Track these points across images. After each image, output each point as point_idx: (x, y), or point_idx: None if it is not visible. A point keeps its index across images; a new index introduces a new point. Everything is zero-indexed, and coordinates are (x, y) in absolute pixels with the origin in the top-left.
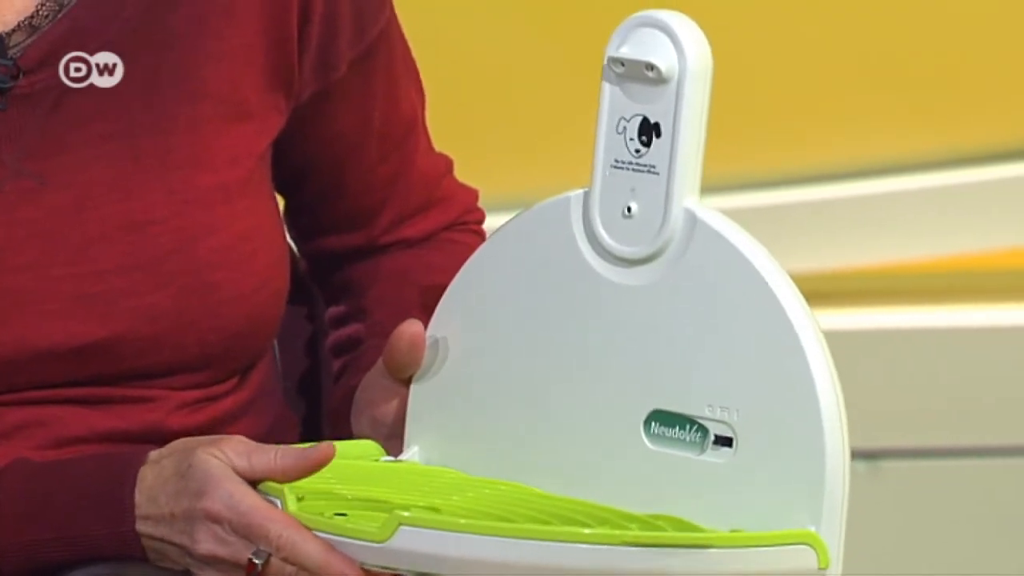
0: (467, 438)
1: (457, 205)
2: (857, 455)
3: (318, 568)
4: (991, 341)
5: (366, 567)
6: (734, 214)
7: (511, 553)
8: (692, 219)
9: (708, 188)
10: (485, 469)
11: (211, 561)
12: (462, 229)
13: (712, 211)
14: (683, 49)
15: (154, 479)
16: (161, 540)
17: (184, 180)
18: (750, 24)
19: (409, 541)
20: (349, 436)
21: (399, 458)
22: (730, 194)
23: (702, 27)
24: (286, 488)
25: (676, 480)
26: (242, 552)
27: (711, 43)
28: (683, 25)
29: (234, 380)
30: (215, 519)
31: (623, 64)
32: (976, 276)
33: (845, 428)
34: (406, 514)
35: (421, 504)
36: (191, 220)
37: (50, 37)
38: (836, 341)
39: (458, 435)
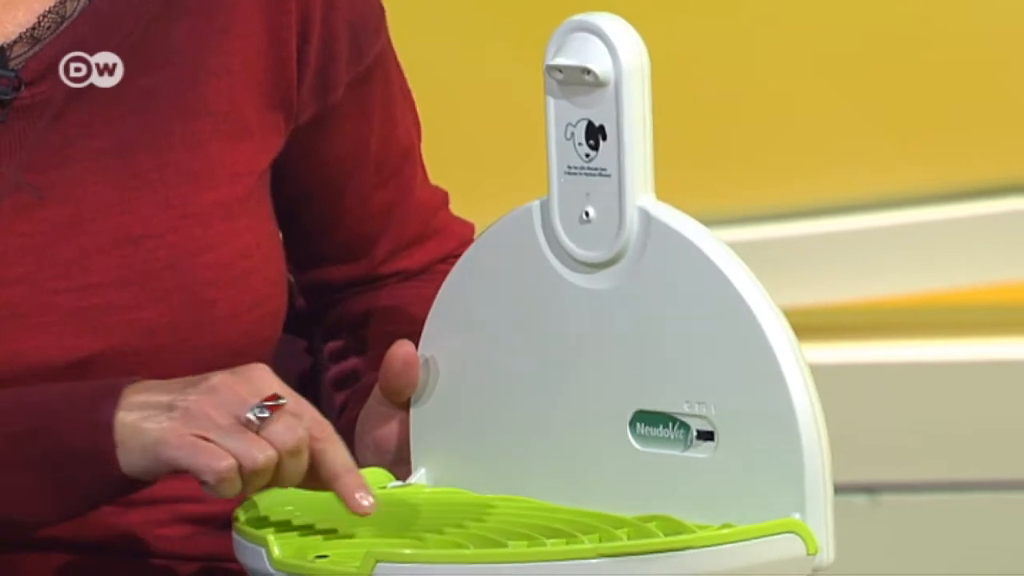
0: (468, 455)
1: (453, 237)
2: (857, 489)
3: (346, 466)
4: (989, 375)
5: None
6: None
7: None
8: (647, 218)
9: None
10: (487, 485)
11: (212, 392)
12: None
13: (667, 207)
14: (616, 51)
15: (161, 382)
16: (142, 407)
17: (182, 196)
18: (742, 60)
19: None
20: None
21: (407, 482)
22: (721, 228)
23: (694, 68)
24: (270, 536)
25: (664, 478)
26: (247, 401)
27: (703, 77)
28: (615, 27)
29: None
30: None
31: (561, 71)
32: (974, 311)
33: (819, 411)
34: (386, 551)
35: (407, 537)
36: (188, 236)
37: (51, 49)
38: (836, 375)
39: (459, 453)
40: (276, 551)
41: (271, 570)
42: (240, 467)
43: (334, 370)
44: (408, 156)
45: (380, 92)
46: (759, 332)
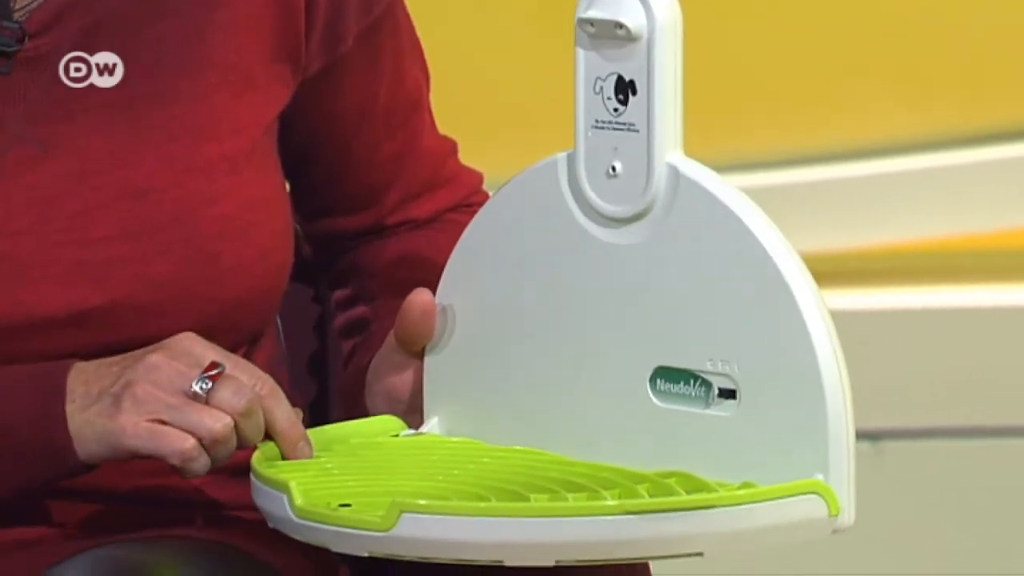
0: (483, 406)
1: (463, 186)
2: (860, 436)
3: (288, 420)
4: (995, 321)
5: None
6: None
7: (516, 532)
8: (675, 175)
9: (714, 168)
10: (501, 436)
11: (152, 371)
12: (468, 211)
13: (695, 165)
14: (650, 6)
15: (96, 365)
16: (86, 397)
17: (187, 149)
18: (756, 4)
19: (413, 528)
20: (363, 415)
21: (419, 431)
22: (731, 174)
23: (705, 11)
24: (292, 483)
25: (685, 435)
26: (188, 375)
27: (715, 22)
28: None
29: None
30: (177, 353)
31: (592, 24)
32: (981, 256)
33: (844, 373)
34: (411, 501)
35: (425, 486)
36: (193, 189)
37: (56, 1)
38: (838, 322)
39: (474, 403)
40: (298, 499)
41: (293, 517)
42: (201, 441)
43: (341, 318)
44: (417, 106)
45: (389, 43)
46: (787, 292)
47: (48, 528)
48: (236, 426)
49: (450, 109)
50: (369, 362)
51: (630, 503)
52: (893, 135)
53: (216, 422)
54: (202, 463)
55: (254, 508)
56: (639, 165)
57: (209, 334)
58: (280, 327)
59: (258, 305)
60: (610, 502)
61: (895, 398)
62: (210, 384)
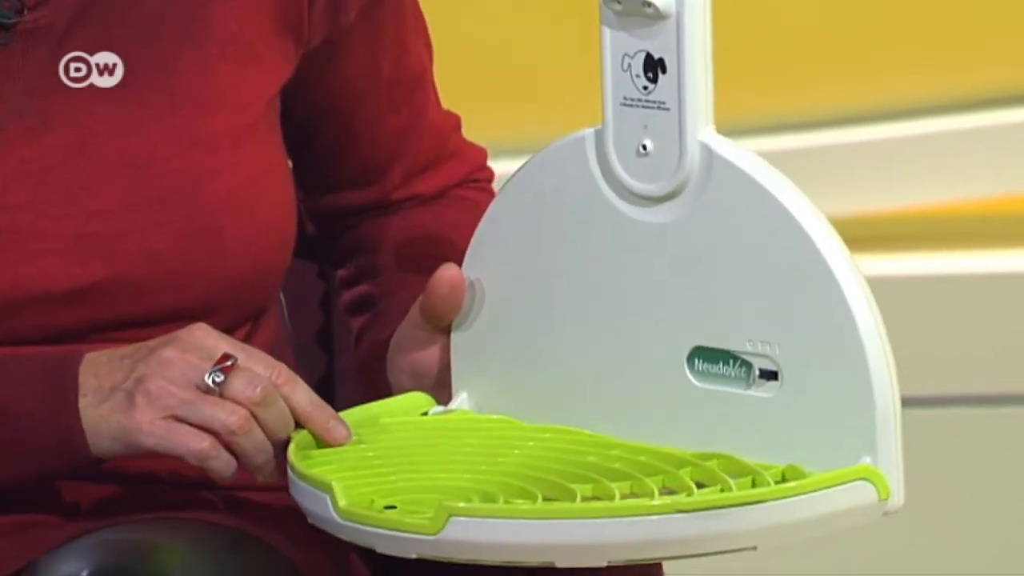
0: (513, 382)
1: (468, 162)
2: None
3: (312, 402)
4: (1011, 288)
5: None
6: None
7: (567, 535)
8: (709, 153)
9: (731, 131)
10: (534, 414)
11: (164, 366)
12: (474, 187)
13: (728, 143)
14: None
15: (107, 357)
16: (99, 392)
17: (189, 121)
18: None
19: (461, 531)
20: (379, 390)
21: (449, 407)
22: (744, 138)
23: None
24: (335, 483)
25: (725, 416)
26: (201, 368)
27: None
28: None
29: (239, 335)
30: (189, 347)
31: (619, 2)
32: (1007, 220)
33: (888, 350)
34: (460, 504)
35: (469, 479)
36: (195, 162)
37: None
38: None
39: (504, 379)
40: (342, 499)
41: (337, 519)
42: (220, 437)
43: (348, 295)
44: (420, 80)
45: (392, 17)
46: (827, 272)
47: (48, 510)
48: (256, 417)
49: (453, 83)
50: (387, 337)
51: (681, 502)
52: (913, 98)
53: (231, 415)
54: (224, 461)
55: (266, 489)
56: (671, 144)
57: (212, 310)
58: (284, 304)
59: (261, 281)
60: (660, 501)
61: (919, 365)
62: (223, 376)
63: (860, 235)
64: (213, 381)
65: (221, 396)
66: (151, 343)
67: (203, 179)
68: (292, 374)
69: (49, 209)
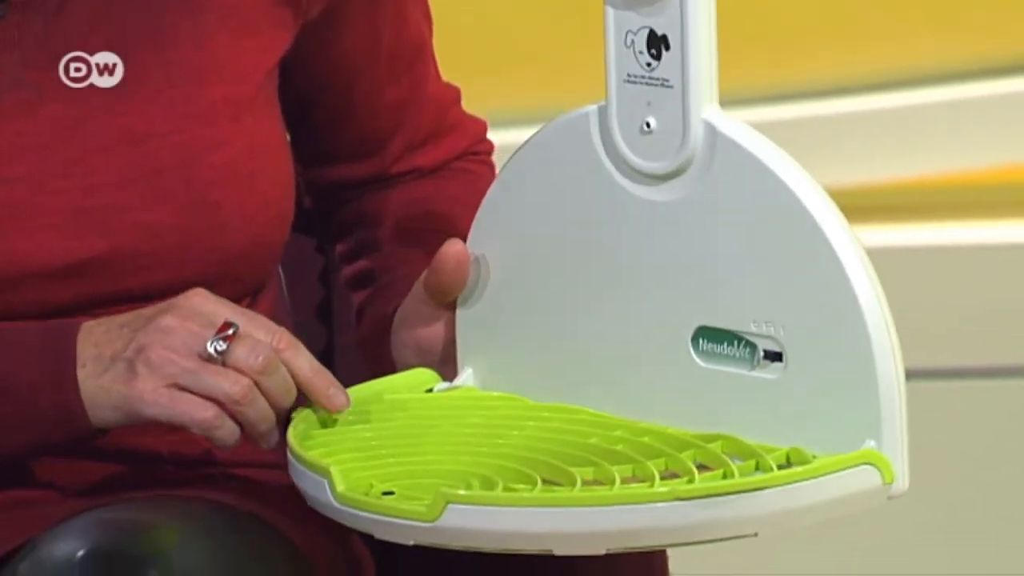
0: (518, 359)
1: (467, 135)
2: None
3: (313, 368)
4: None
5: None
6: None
7: (565, 522)
8: (712, 132)
9: (728, 101)
10: (539, 392)
11: (164, 333)
12: (474, 159)
13: (733, 121)
14: None
15: (105, 327)
16: (99, 361)
17: (187, 94)
18: None
19: (458, 519)
20: (383, 366)
21: (454, 383)
22: (744, 108)
23: None
24: (333, 468)
25: (729, 397)
26: (203, 335)
27: None
28: None
29: None
30: (189, 313)
31: None
32: (1009, 190)
33: (893, 332)
34: (457, 492)
35: (469, 463)
36: (193, 135)
37: None
38: None
39: (509, 356)
40: (340, 484)
41: (335, 504)
42: (223, 407)
43: (348, 269)
44: (420, 52)
45: None
46: (831, 254)
47: (44, 488)
48: (259, 386)
49: (452, 56)
50: (391, 312)
51: (681, 489)
52: (912, 68)
53: (234, 384)
54: (228, 430)
55: (270, 467)
56: (674, 121)
57: (210, 285)
58: (283, 278)
59: (260, 256)
60: (660, 489)
61: (919, 337)
62: (225, 345)
63: (858, 205)
64: (215, 349)
65: (223, 365)
66: (148, 311)
67: (201, 152)
68: (293, 339)
69: (46, 183)
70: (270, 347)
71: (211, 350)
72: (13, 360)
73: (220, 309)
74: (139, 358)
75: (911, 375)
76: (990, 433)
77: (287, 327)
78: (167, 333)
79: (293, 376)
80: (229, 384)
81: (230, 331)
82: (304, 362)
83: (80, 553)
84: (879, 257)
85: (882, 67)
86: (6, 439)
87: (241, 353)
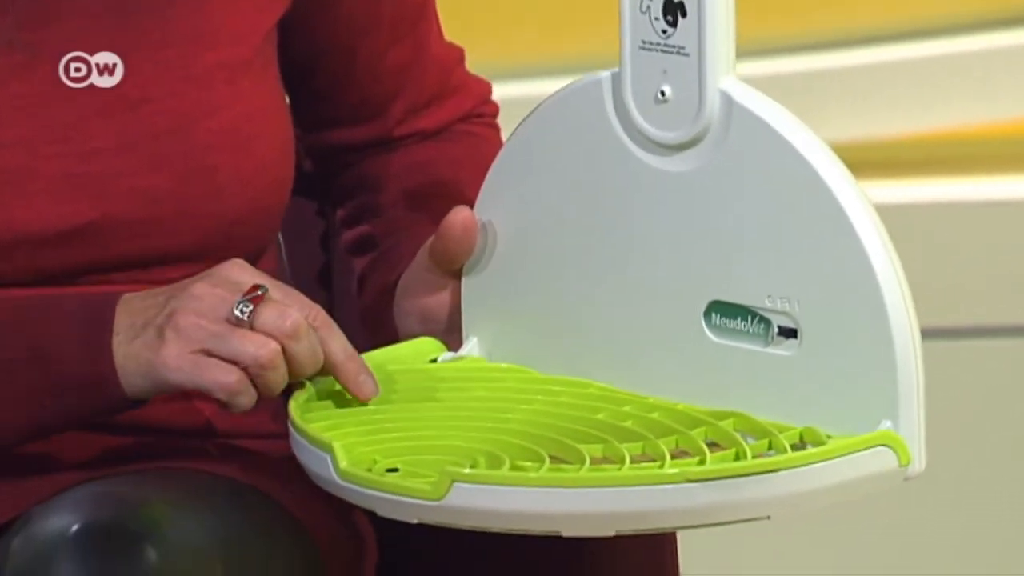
0: (525, 329)
1: (472, 96)
2: None
3: (345, 352)
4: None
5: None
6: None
7: (573, 503)
8: (728, 101)
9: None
10: (547, 363)
11: (194, 300)
12: (478, 122)
13: (750, 91)
14: None
15: (142, 296)
16: (131, 329)
17: (183, 57)
18: None
19: (464, 498)
20: (386, 334)
21: (459, 354)
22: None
23: None
24: (336, 443)
25: (742, 374)
26: (230, 300)
27: None
28: None
29: None
30: (220, 281)
31: None
32: (1007, 145)
33: (911, 309)
34: (463, 471)
35: (475, 438)
36: (189, 99)
37: None
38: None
39: (516, 326)
40: (342, 461)
41: (338, 480)
42: (247, 371)
43: (349, 235)
44: (423, 11)
45: None
46: (848, 227)
47: (38, 459)
48: (286, 350)
49: (456, 15)
50: (394, 280)
51: (692, 470)
52: (919, 19)
53: (260, 348)
54: (249, 396)
55: (272, 437)
56: (690, 90)
57: (207, 252)
58: (282, 244)
59: (258, 222)
60: (671, 470)
61: (937, 296)
62: (251, 307)
63: (869, 160)
64: (242, 312)
65: (252, 329)
66: (185, 281)
67: (197, 117)
68: (328, 318)
69: (40, 148)
70: (301, 314)
71: (238, 313)
72: (52, 328)
73: (254, 279)
74: (168, 324)
75: (927, 335)
76: (1006, 393)
77: None
78: (196, 299)
79: (325, 357)
80: (255, 348)
81: (259, 292)
82: (338, 344)
83: (74, 528)
84: (890, 213)
85: (893, 18)
86: (39, 409)
87: (269, 316)
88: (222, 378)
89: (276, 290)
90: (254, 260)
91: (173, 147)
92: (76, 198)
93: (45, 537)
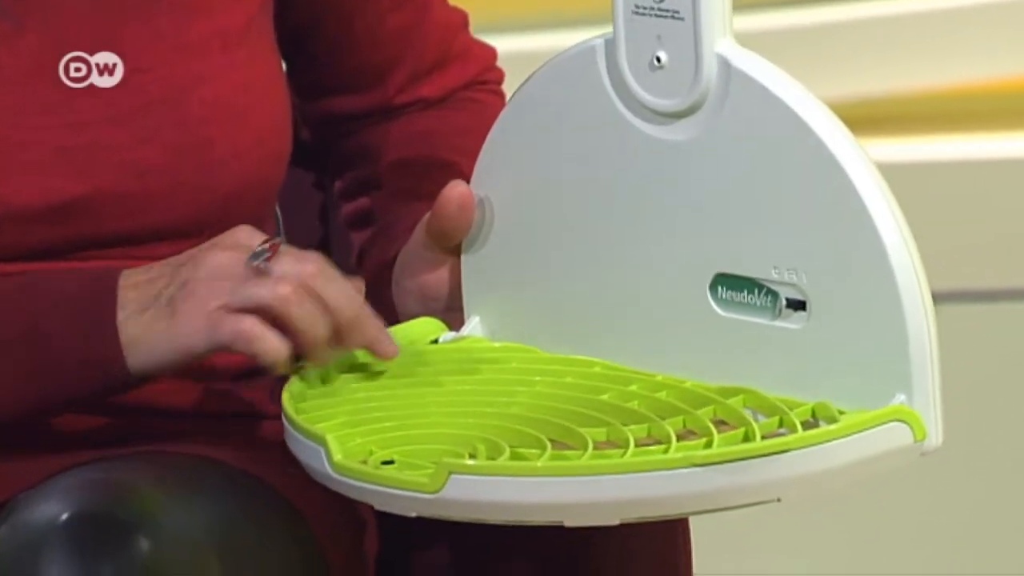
0: (527, 306)
1: (476, 62)
2: None
3: (377, 328)
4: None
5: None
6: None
7: (575, 493)
8: (726, 66)
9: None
10: (550, 341)
11: (205, 265)
12: (482, 89)
13: (748, 55)
14: None
15: (144, 269)
16: (139, 302)
17: (175, 25)
18: None
19: (462, 490)
20: (385, 314)
21: (460, 333)
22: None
23: None
24: (329, 436)
25: (750, 348)
26: (242, 256)
27: None
28: None
29: None
30: (231, 244)
31: None
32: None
33: (923, 278)
34: (461, 462)
35: (474, 425)
36: (182, 69)
37: None
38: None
39: (518, 303)
40: (337, 454)
41: (332, 474)
42: (272, 313)
43: (348, 208)
44: None
45: None
46: (854, 194)
47: (26, 442)
48: (310, 292)
49: None
50: (392, 257)
51: (697, 455)
52: None
53: (278, 285)
54: (271, 342)
55: (268, 418)
56: (686, 56)
57: (202, 227)
58: (280, 217)
59: (254, 196)
60: (675, 455)
61: (948, 258)
62: (269, 254)
63: (871, 116)
64: (259, 263)
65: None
66: (192, 251)
67: (190, 87)
68: (362, 300)
69: (27, 119)
70: (319, 263)
71: (255, 264)
72: (47, 307)
73: (263, 236)
74: (180, 293)
75: (940, 298)
76: (1009, 357)
77: None
78: (209, 265)
79: (361, 333)
80: (269, 289)
81: (276, 239)
82: (374, 324)
83: (63, 516)
84: (896, 173)
85: None
86: (36, 389)
87: (287, 261)
88: (235, 325)
89: (290, 248)
90: None
91: (165, 119)
92: (65, 172)
93: (33, 526)
